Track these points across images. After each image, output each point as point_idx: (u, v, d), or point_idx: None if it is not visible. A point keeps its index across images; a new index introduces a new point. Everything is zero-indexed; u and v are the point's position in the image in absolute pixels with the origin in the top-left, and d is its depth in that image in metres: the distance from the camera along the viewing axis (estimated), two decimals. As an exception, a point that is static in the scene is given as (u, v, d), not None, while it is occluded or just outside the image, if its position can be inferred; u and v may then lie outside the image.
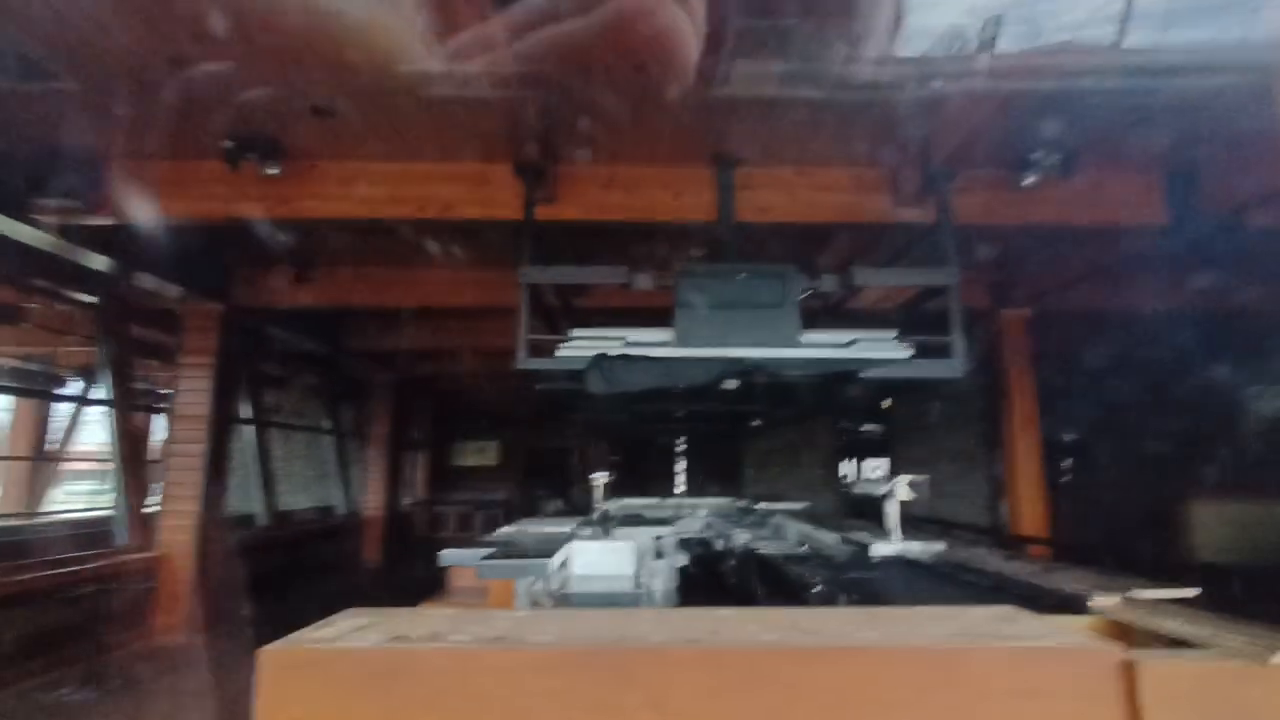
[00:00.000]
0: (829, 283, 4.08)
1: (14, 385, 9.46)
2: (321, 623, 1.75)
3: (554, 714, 1.49)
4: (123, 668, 5.38)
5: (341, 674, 1.51)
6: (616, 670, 1.53)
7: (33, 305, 6.69)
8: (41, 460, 10.29)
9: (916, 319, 5.08)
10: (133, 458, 6.67)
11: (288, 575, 8.95)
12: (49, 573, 5.35)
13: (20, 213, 4.48)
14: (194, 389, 6.78)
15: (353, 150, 4.56)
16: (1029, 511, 6.76)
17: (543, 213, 4.56)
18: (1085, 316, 7.92)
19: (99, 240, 5.21)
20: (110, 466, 6.70)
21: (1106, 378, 10.37)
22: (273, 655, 1.53)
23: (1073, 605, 2.17)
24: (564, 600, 2.93)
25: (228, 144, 4.22)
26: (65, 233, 4.89)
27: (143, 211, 4.66)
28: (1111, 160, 4.65)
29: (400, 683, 1.50)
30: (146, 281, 6.08)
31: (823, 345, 3.78)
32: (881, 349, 3.77)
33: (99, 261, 5.44)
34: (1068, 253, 6.08)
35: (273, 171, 4.36)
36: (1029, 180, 4.30)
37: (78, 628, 5.22)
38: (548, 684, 1.51)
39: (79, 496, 12.21)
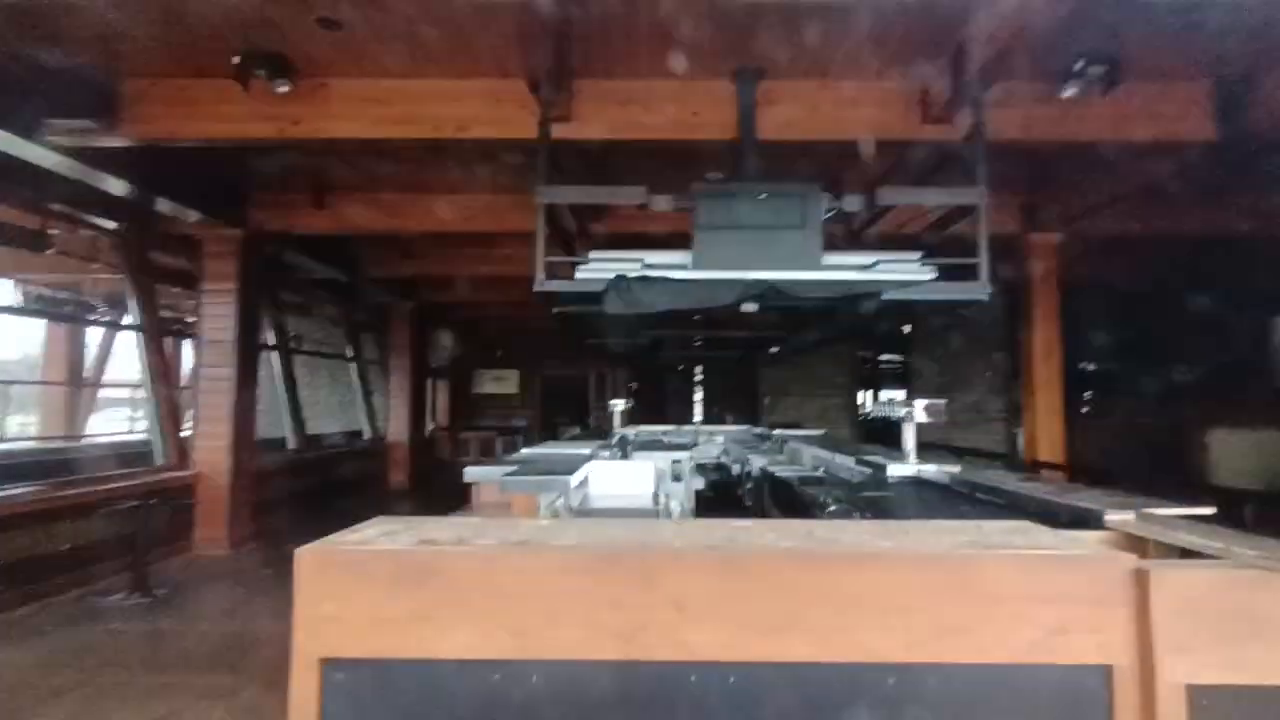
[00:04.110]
0: (853, 202, 3.97)
1: (44, 310, 9.66)
2: (353, 528, 1.83)
3: (577, 612, 1.55)
4: (169, 576, 5.70)
5: (374, 573, 1.59)
6: (638, 572, 1.58)
7: (55, 231, 6.74)
8: (77, 386, 10.61)
9: (942, 242, 4.96)
10: (164, 382, 6.86)
11: (318, 496, 9.32)
12: (96, 489, 5.62)
13: (34, 134, 4.45)
14: (218, 314, 6.89)
15: (364, 67, 4.43)
16: (1046, 437, 6.77)
17: (559, 132, 4.42)
18: (1116, 241, 7.68)
19: (116, 163, 5.19)
20: (143, 392, 6.92)
21: (1133, 304, 10.14)
22: (309, 555, 1.60)
23: (1087, 520, 2.20)
24: (585, 516, 3.02)
25: (235, 60, 4.11)
26: (81, 155, 4.86)
27: (156, 132, 4.61)
28: (1158, 70, 4.38)
29: (429, 581, 1.58)
30: (165, 206, 6.09)
31: (845, 267, 3.72)
32: (905, 271, 3.70)
33: (117, 185, 5.44)
34: (1103, 173, 5.83)
35: (283, 89, 4.26)
36: (1070, 92, 4.07)
37: (125, 540, 5.51)
38: (571, 584, 1.57)
39: (118, 422, 12.65)
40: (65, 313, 9.88)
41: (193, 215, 6.37)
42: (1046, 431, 6.78)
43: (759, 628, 1.54)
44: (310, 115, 4.57)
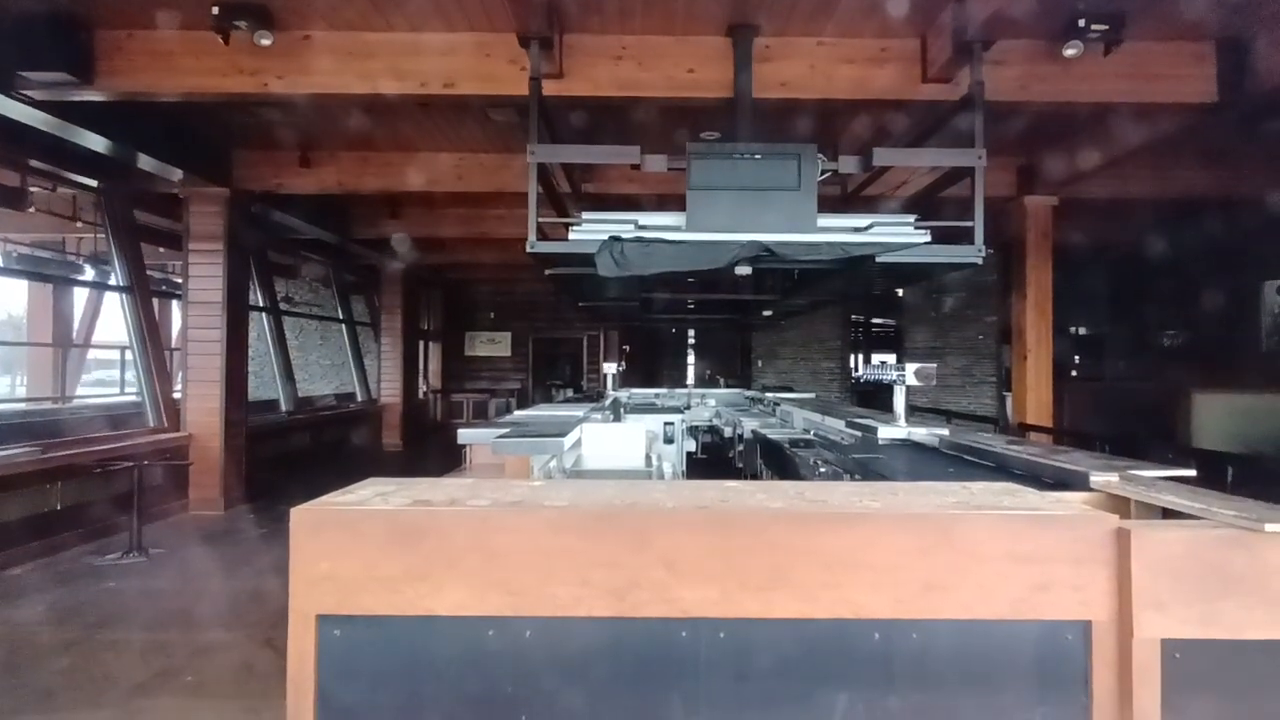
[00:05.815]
0: (848, 163, 3.92)
1: (26, 270, 9.49)
2: (347, 488, 1.84)
3: (570, 570, 1.58)
4: (165, 536, 5.74)
5: (369, 532, 1.60)
6: (630, 531, 1.60)
7: (35, 189, 6.58)
8: (64, 347, 10.51)
9: (937, 205, 4.92)
10: (153, 342, 6.80)
11: (311, 457, 9.36)
12: (89, 449, 5.62)
13: (9, 88, 4.31)
14: (206, 275, 6.80)
15: (346, 19, 4.28)
16: (1035, 401, 6.84)
17: (550, 89, 4.32)
18: (1110, 205, 7.64)
19: (95, 118, 5.05)
20: (132, 353, 6.86)
21: (1124, 269, 10.16)
22: (304, 514, 1.61)
23: (1072, 482, 2.23)
24: (578, 477, 3.04)
25: (214, 10, 3.97)
26: (59, 110, 4.72)
27: (133, 86, 4.47)
28: (1160, 30, 4.30)
29: (424, 540, 1.59)
30: (147, 163, 5.95)
31: (839, 229, 3.69)
32: (899, 233, 3.67)
33: (97, 142, 5.30)
34: (1100, 135, 5.77)
35: (265, 42, 4.12)
36: (1071, 51, 4.00)
37: (121, 500, 5.54)
38: (564, 543, 1.59)
39: (107, 385, 12.59)
40: (48, 273, 9.71)
41: (176, 173, 6.24)
42: (1035, 395, 6.85)
43: (749, 585, 1.57)
44: (293, 69, 4.44)
